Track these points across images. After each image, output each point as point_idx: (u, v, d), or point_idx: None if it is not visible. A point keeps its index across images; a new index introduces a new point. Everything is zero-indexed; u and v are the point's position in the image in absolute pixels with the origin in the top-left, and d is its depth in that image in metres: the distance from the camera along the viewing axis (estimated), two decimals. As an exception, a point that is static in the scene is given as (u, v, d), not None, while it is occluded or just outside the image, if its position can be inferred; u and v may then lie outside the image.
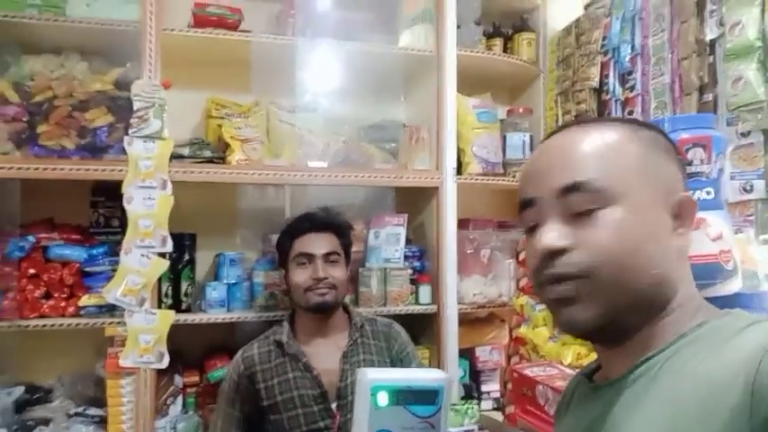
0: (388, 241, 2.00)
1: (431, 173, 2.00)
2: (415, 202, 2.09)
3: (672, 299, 0.62)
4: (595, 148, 0.63)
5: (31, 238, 1.73)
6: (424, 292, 1.99)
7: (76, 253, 1.79)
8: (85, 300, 1.71)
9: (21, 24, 1.73)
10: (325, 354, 1.57)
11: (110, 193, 1.94)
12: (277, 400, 1.51)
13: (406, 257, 2.00)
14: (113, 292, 1.68)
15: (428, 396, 0.90)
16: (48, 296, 1.74)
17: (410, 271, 2.00)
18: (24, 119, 1.71)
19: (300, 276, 1.57)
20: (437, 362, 1.97)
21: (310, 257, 1.57)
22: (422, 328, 2.02)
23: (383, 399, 0.89)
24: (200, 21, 1.88)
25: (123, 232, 1.84)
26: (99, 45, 1.80)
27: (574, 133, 0.66)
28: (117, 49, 1.79)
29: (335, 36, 1.97)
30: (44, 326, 1.69)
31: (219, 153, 1.85)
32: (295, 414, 1.50)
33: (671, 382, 0.57)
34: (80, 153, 1.73)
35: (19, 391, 1.78)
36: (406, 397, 0.89)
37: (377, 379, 0.90)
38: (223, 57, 1.95)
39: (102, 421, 1.74)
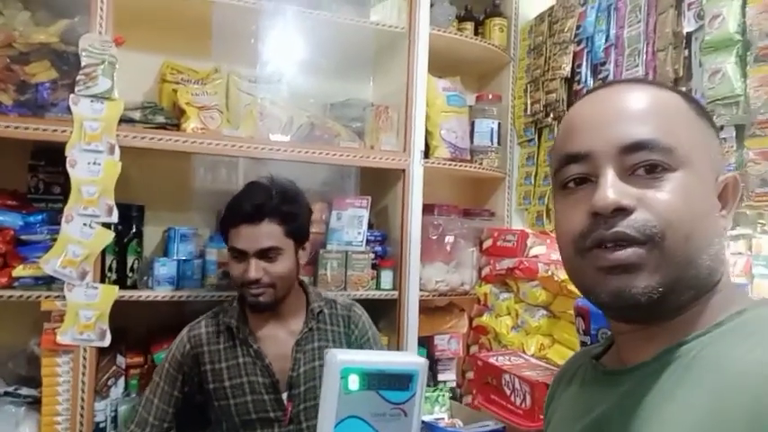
0: (350, 224, 1.92)
1: (398, 154, 1.93)
2: (379, 184, 2.02)
3: (719, 281, 0.59)
4: (662, 108, 0.59)
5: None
6: (386, 277, 1.93)
7: (11, 219, 1.63)
8: (20, 270, 1.55)
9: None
10: (277, 339, 1.45)
11: (51, 156, 1.79)
12: (225, 384, 1.42)
13: (368, 242, 1.94)
14: (52, 263, 1.54)
15: (402, 381, 0.84)
16: (-24, 266, 1.59)
17: (372, 255, 1.93)
18: (-45, 69, 1.54)
19: (234, 270, 1.41)
20: (397, 349, 1.91)
21: (243, 254, 1.38)
22: (382, 314, 1.95)
23: (354, 382, 0.82)
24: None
25: (65, 200, 1.69)
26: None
27: (633, 89, 0.60)
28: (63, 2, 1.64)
29: (303, 4, 1.87)
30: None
31: (174, 119, 1.73)
32: (243, 401, 1.41)
33: (711, 373, 0.53)
34: (19, 110, 1.58)
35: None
36: (378, 381, 0.83)
37: (347, 361, 0.83)
38: (181, 17, 1.83)
39: (36, 402, 1.61)
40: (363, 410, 0.82)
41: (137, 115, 1.66)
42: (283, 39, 1.93)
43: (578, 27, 1.98)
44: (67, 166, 1.56)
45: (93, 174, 1.57)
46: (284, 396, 1.41)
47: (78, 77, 1.56)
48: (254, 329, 1.45)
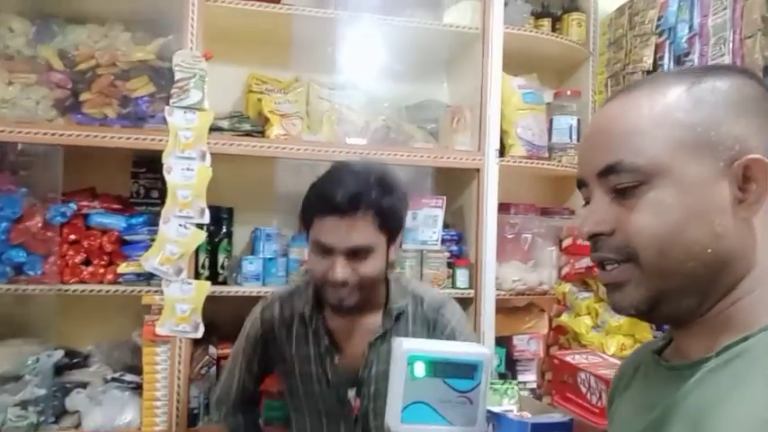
0: (425, 223, 1.96)
1: (472, 154, 1.95)
2: (454, 184, 2.04)
3: (745, 275, 0.58)
4: (633, 123, 0.59)
5: (73, 206, 1.75)
6: (462, 276, 1.94)
7: (116, 221, 1.80)
8: (124, 267, 1.72)
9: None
10: (351, 334, 1.33)
11: (150, 164, 1.95)
12: (295, 370, 1.35)
13: (443, 241, 1.96)
14: (151, 261, 1.68)
15: (467, 370, 0.87)
16: (87, 263, 1.76)
17: (447, 254, 1.95)
18: (68, 87, 1.72)
19: (316, 266, 1.23)
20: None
21: (329, 250, 1.20)
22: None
23: (420, 369, 0.85)
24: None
25: (162, 203, 1.85)
26: (143, 16, 1.80)
27: (614, 106, 0.62)
28: (160, 20, 1.78)
29: (377, 11, 1.92)
30: (83, 291, 1.71)
31: (259, 127, 1.84)
32: (311, 390, 1.33)
33: None
34: (121, 122, 1.74)
35: (59, 354, 1.80)
36: (444, 369, 0.86)
37: (414, 349, 0.86)
38: (264, 31, 1.94)
39: (138, 387, 1.76)
40: (430, 397, 0.85)
41: (225, 124, 1.78)
42: (359, 46, 2.00)
43: (660, 18, 1.91)
44: (164, 172, 1.70)
45: (187, 179, 1.70)
46: (351, 393, 1.32)
47: (172, 90, 1.70)
48: (328, 320, 1.33)
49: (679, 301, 0.58)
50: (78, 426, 1.71)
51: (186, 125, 1.70)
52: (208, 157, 1.72)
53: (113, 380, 1.77)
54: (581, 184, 0.65)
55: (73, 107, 1.73)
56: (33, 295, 1.73)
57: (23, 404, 1.68)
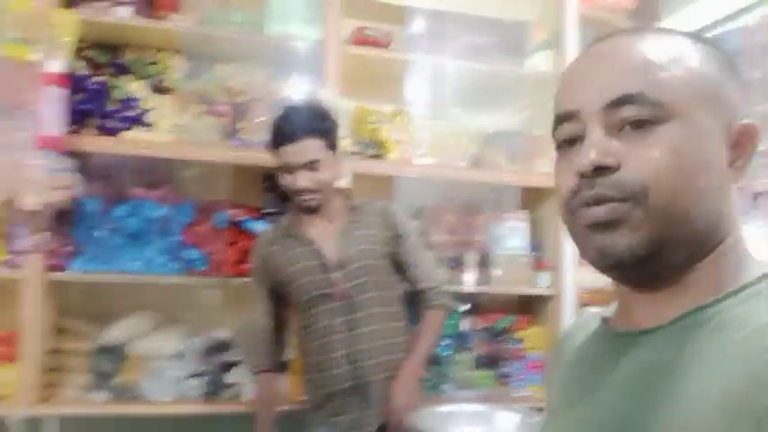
0: (511, 233, 2.32)
1: (551, 176, 2.31)
2: (536, 198, 2.41)
3: (723, 240, 0.57)
4: (653, 56, 0.56)
5: (227, 213, 2.12)
6: (543, 278, 2.31)
7: (261, 227, 2.18)
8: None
9: (220, 38, 2.11)
10: (326, 233, 1.70)
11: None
12: (287, 272, 1.70)
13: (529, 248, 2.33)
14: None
15: None
16: (240, 261, 2.12)
17: (531, 259, 2.32)
18: (230, 116, 2.11)
19: (285, 181, 1.66)
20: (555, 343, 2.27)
21: (291, 168, 1.62)
22: (540, 310, 2.34)
23: None
24: (359, 40, 2.25)
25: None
26: (282, 57, 2.18)
27: (626, 39, 0.58)
28: (296, 61, 2.17)
29: (468, 57, 2.31)
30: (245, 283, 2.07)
31: (379, 151, 2.21)
32: (302, 282, 1.68)
33: (737, 335, 0.51)
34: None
35: (216, 337, 2.15)
36: None
37: None
38: (374, 71, 2.31)
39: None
40: None
41: (357, 148, 2.16)
42: (452, 83, 2.37)
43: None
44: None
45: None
46: (334, 276, 1.66)
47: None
48: (306, 227, 1.72)
49: (675, 253, 0.55)
50: (238, 396, 2.06)
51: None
52: (349, 178, 2.08)
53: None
54: (566, 117, 0.59)
55: (232, 133, 2.11)
56: (196, 287, 2.09)
57: (193, 377, 2.03)
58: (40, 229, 1.84)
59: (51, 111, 1.80)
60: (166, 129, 2.05)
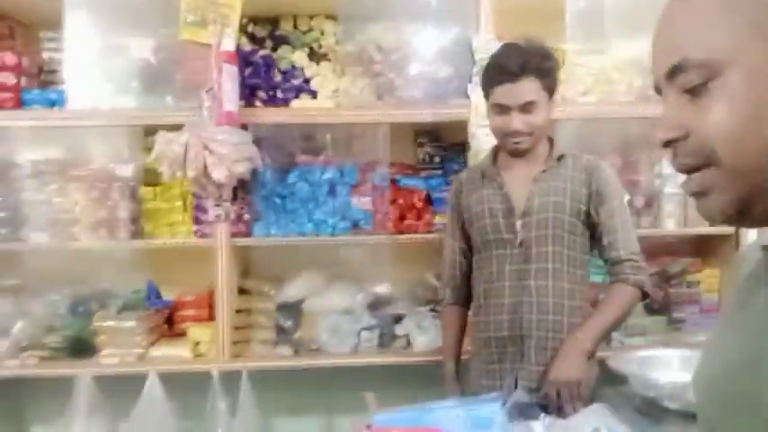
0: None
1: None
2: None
3: None
4: (694, 15, 0.56)
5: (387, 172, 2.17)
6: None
7: (419, 183, 2.21)
8: (438, 218, 2.12)
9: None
10: (519, 177, 1.63)
11: (430, 135, 2.35)
12: (472, 211, 1.67)
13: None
14: (464, 213, 2.06)
15: None
16: (402, 218, 2.18)
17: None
18: (386, 75, 2.12)
19: (496, 122, 1.58)
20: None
21: (505, 108, 1.54)
22: (715, 251, 2.20)
23: None
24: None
25: (443, 168, 2.24)
26: (438, 9, 2.15)
27: (675, 3, 0.59)
28: (451, 10, 2.13)
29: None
30: (407, 241, 2.13)
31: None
32: (483, 224, 1.64)
33: None
34: (428, 100, 2.12)
35: (379, 291, 2.25)
36: None
37: None
38: (524, 9, 2.19)
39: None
40: None
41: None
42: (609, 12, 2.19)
43: None
44: (469, 138, 2.06)
45: (489, 143, 2.05)
46: (518, 223, 1.60)
47: (474, 70, 2.04)
48: (501, 169, 1.66)
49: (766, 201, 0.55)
50: (408, 346, 2.15)
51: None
52: (503, 123, 2.05)
53: (431, 311, 2.19)
54: (657, 89, 0.61)
55: (389, 90, 2.12)
56: (361, 244, 2.18)
57: (365, 330, 2.14)
58: (226, 200, 1.98)
59: (228, 87, 1.90)
60: (328, 95, 2.10)
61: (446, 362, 1.76)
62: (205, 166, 1.82)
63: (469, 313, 1.78)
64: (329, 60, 2.17)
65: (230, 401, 2.03)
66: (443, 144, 2.34)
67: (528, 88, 1.52)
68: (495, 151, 1.72)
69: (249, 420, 2.00)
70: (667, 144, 0.57)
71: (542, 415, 1.41)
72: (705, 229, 2.15)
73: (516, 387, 1.55)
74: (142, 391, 2.00)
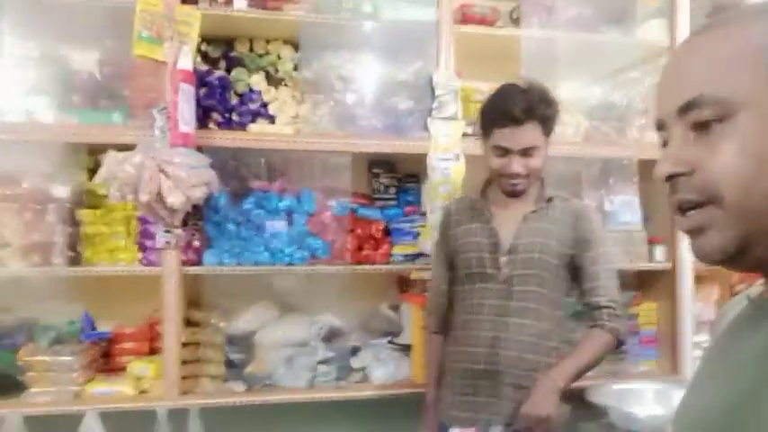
0: (623, 208, 2.30)
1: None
2: (647, 171, 2.37)
3: None
4: (715, 53, 0.56)
5: (347, 202, 2.14)
6: (659, 251, 2.28)
7: (375, 214, 2.19)
8: (399, 249, 2.10)
9: (335, 26, 2.10)
10: (508, 214, 1.65)
11: (385, 165, 2.35)
12: (458, 242, 1.69)
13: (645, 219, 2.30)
14: (424, 243, 2.06)
15: None
16: (359, 248, 2.14)
17: (645, 233, 2.29)
18: (348, 103, 2.11)
19: (495, 163, 1.59)
20: (672, 320, 2.26)
21: (506, 151, 1.56)
22: (654, 285, 2.32)
23: None
24: (466, 18, 2.21)
25: (397, 199, 2.24)
26: (399, 43, 2.16)
27: (694, 40, 0.59)
28: (412, 45, 2.15)
29: (578, 28, 2.27)
30: (363, 270, 2.10)
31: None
32: (468, 257, 1.65)
33: None
34: (388, 131, 2.12)
35: (330, 323, 2.19)
36: None
37: None
38: (479, 48, 2.27)
39: (405, 348, 2.14)
40: None
41: (469, 130, 2.14)
42: (561, 56, 2.31)
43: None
44: (428, 171, 2.07)
45: (445, 176, 2.07)
46: (503, 259, 1.61)
47: (434, 104, 2.07)
48: (491, 204, 1.68)
49: (765, 245, 0.55)
50: (365, 379, 2.10)
51: (444, 132, 2.07)
52: (461, 157, 2.08)
53: (389, 343, 2.15)
54: (659, 126, 0.61)
55: (349, 120, 2.11)
56: (316, 274, 2.12)
57: (323, 363, 2.08)
58: (177, 226, 1.88)
59: (185, 108, 1.82)
60: (287, 120, 2.06)
61: (429, 390, 1.76)
62: (159, 191, 1.72)
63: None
64: (286, 86, 2.13)
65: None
66: (398, 175, 2.35)
67: (530, 133, 1.54)
68: (486, 185, 1.73)
69: (197, 462, 1.87)
70: (669, 178, 0.58)
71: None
72: (647, 264, 2.27)
73: (490, 424, 1.56)
74: (76, 432, 1.83)
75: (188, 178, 1.72)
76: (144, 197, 1.68)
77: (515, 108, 1.51)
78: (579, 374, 1.57)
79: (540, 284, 1.61)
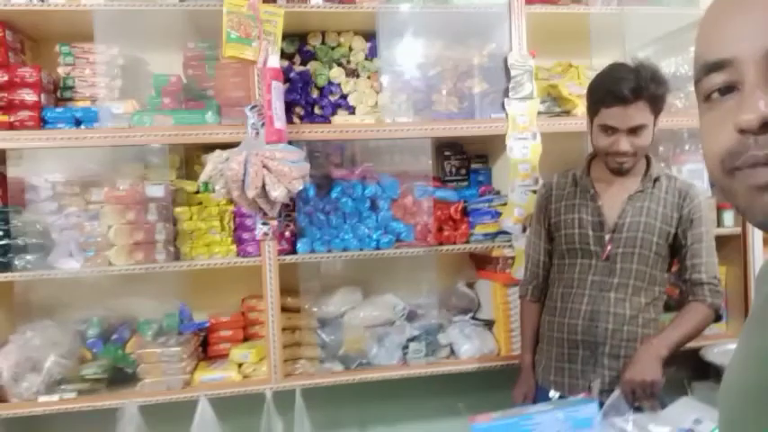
0: (691, 176, 2.35)
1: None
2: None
3: None
4: None
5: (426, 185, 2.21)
6: (727, 217, 2.34)
7: (452, 195, 2.26)
8: (479, 228, 2.18)
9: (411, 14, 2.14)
10: (612, 193, 1.68)
11: (454, 148, 2.41)
12: (560, 218, 1.73)
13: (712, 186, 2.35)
14: (506, 221, 2.13)
15: None
16: (440, 229, 2.22)
17: (714, 199, 2.35)
18: (425, 89, 2.17)
19: (601, 141, 1.60)
20: (743, 284, 2.33)
21: (614, 130, 1.56)
22: (725, 250, 2.38)
23: None
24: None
25: (467, 180, 2.31)
26: (472, 27, 2.21)
27: None
28: (484, 29, 2.20)
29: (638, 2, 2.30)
30: (448, 250, 2.18)
31: (566, 108, 2.25)
32: (571, 233, 1.70)
33: None
34: (462, 115, 2.18)
35: (408, 306, 2.28)
36: None
37: None
38: (547, 27, 2.30)
39: (488, 324, 2.23)
40: None
41: (542, 108, 2.20)
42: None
43: None
44: (507, 151, 2.13)
45: (524, 155, 2.14)
46: (607, 237, 1.66)
47: (510, 85, 2.13)
48: (594, 181, 1.70)
49: None
50: (452, 355, 2.20)
51: (521, 112, 2.13)
52: (538, 135, 2.14)
53: (473, 319, 2.24)
54: (718, 66, 0.53)
55: (426, 105, 2.17)
56: (402, 256, 2.21)
57: (412, 340, 2.17)
58: (273, 217, 1.96)
59: (276, 104, 1.89)
60: (366, 110, 2.12)
61: (525, 355, 1.85)
62: (263, 185, 1.79)
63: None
64: (357, 76, 2.19)
65: (284, 420, 2.01)
66: (467, 156, 2.41)
67: (639, 113, 1.54)
68: (589, 162, 1.75)
69: (307, 438, 1.99)
70: (763, 126, 0.49)
71: (630, 412, 1.50)
72: (716, 229, 2.33)
73: (590, 390, 1.65)
74: (187, 418, 1.95)
75: (290, 172, 1.79)
76: (251, 192, 1.76)
77: (624, 87, 1.52)
78: (680, 345, 1.62)
79: (642, 262, 1.65)
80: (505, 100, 2.13)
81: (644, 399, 1.57)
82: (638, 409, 1.57)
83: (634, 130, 1.56)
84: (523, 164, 2.13)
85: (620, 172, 1.65)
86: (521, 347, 1.90)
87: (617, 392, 1.53)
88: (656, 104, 1.57)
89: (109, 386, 2.00)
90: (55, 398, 1.93)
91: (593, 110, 1.62)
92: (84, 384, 1.96)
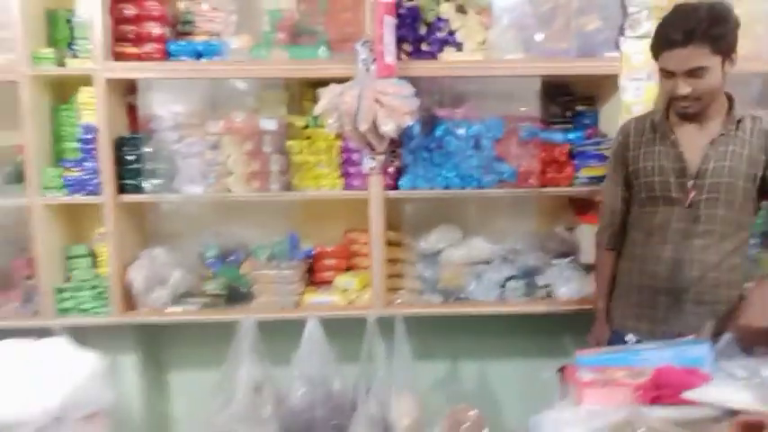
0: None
1: None
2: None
3: None
4: None
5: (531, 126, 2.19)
6: None
7: (558, 137, 2.23)
8: (585, 172, 2.15)
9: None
10: (693, 137, 1.63)
11: (560, 89, 2.36)
12: (639, 166, 1.69)
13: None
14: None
15: None
16: (543, 171, 2.21)
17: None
18: (536, 26, 2.12)
19: (664, 86, 1.60)
20: None
21: (672, 73, 1.54)
22: None
23: None
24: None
25: (572, 122, 2.26)
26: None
27: None
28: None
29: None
30: (552, 192, 2.18)
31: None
32: (651, 180, 1.66)
33: None
34: (574, 53, 2.12)
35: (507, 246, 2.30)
36: None
37: None
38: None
39: (587, 269, 2.23)
40: None
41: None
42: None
43: None
44: (621, 93, 2.07)
45: (638, 96, 2.07)
46: (689, 183, 1.61)
47: (627, 23, 2.04)
48: (674, 126, 1.66)
49: None
50: (549, 296, 2.23)
51: (637, 51, 2.05)
52: (654, 76, 2.06)
53: (571, 262, 2.25)
54: None
55: (537, 44, 2.12)
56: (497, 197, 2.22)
57: (513, 278, 2.21)
58: (381, 152, 2.02)
59: (388, 39, 1.91)
60: (473, 47, 2.11)
61: (599, 302, 1.86)
62: (374, 119, 1.85)
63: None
64: (466, 12, 2.16)
65: (385, 346, 2.12)
66: (574, 98, 2.36)
67: (694, 55, 1.50)
68: (668, 107, 1.70)
69: (406, 363, 2.09)
70: None
71: (742, 357, 1.48)
72: None
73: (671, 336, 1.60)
74: (295, 335, 2.09)
75: (401, 107, 1.83)
76: (364, 126, 1.82)
77: (676, 30, 1.50)
78: None
79: (728, 208, 1.61)
80: (620, 38, 2.05)
81: (758, 344, 1.55)
82: (749, 354, 1.55)
83: (693, 73, 1.52)
84: (637, 105, 2.07)
85: (685, 116, 1.61)
86: (596, 294, 1.89)
87: (727, 336, 1.51)
88: (717, 45, 1.50)
89: (227, 303, 2.18)
90: (179, 309, 2.12)
91: (654, 54, 1.60)
92: (205, 299, 2.15)
